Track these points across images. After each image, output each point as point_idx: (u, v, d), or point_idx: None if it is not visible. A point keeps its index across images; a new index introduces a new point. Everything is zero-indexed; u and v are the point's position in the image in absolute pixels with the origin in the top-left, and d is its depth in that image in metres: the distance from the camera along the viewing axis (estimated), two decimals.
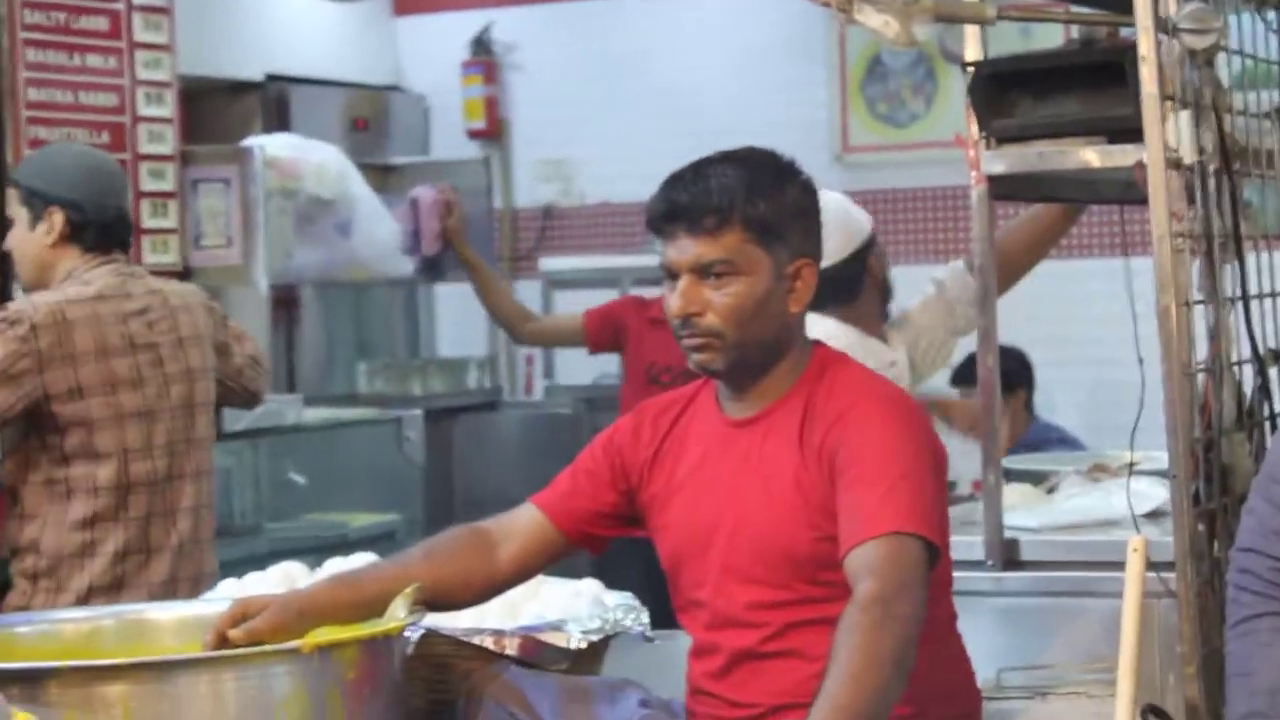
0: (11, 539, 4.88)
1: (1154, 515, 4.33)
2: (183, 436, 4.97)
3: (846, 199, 5.22)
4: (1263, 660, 3.33)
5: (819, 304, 3.76)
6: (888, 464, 3.32)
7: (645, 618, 3.88)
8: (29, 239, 4.91)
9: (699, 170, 3.51)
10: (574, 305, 7.64)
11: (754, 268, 3.47)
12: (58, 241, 4.87)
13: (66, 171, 4.90)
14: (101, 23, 7.12)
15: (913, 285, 5.37)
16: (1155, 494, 4.39)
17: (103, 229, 4.89)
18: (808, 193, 3.57)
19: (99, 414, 4.79)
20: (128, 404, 4.83)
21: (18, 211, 4.92)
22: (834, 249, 4.45)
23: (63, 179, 4.88)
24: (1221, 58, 3.88)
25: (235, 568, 4.98)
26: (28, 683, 3.09)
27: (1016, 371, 7.46)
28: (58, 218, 4.85)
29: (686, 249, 3.46)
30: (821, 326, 4.58)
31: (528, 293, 9.51)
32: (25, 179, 4.94)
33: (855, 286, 5.13)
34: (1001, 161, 4.19)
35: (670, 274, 3.49)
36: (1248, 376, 3.97)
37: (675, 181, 3.51)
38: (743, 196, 3.47)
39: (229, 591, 4.10)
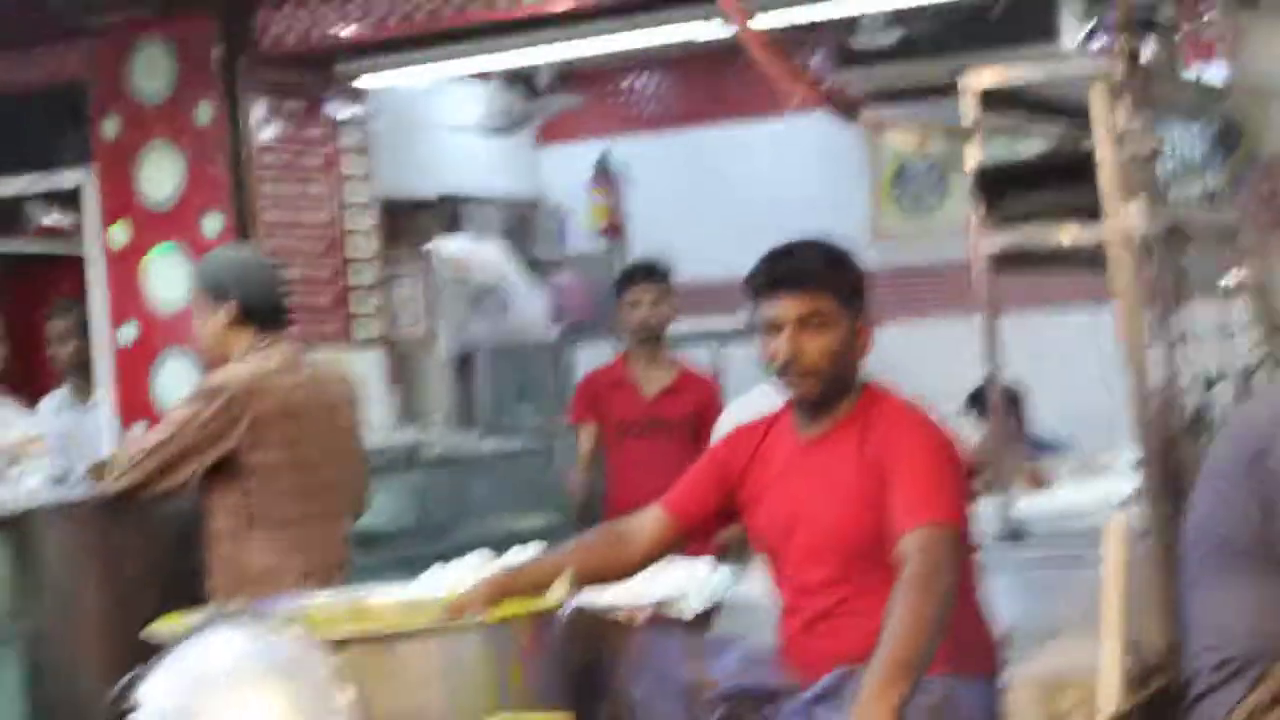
0: (206, 552, 4.67)
1: (1126, 502, 4.30)
2: (332, 481, 4.78)
3: None
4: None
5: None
6: (925, 471, 3.33)
7: (742, 587, 3.89)
8: (211, 322, 4.73)
9: (792, 249, 3.49)
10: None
11: (839, 321, 3.46)
12: (232, 324, 4.69)
13: (236, 270, 4.74)
14: (318, 160, 7.23)
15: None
16: (1127, 486, 4.36)
17: (264, 314, 4.71)
18: (862, 274, 3.58)
19: (273, 463, 4.62)
20: (292, 457, 4.66)
21: (200, 302, 4.75)
22: None
23: (234, 277, 4.71)
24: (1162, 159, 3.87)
25: (433, 560, 4.99)
26: None
27: (1011, 398, 7.38)
28: (233, 305, 4.68)
29: (790, 307, 3.43)
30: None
31: None
32: (206, 277, 4.77)
33: None
34: (998, 241, 4.19)
35: (773, 328, 3.46)
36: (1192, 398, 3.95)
37: (776, 256, 3.49)
38: (833, 268, 3.48)
39: (433, 577, 4.12)
